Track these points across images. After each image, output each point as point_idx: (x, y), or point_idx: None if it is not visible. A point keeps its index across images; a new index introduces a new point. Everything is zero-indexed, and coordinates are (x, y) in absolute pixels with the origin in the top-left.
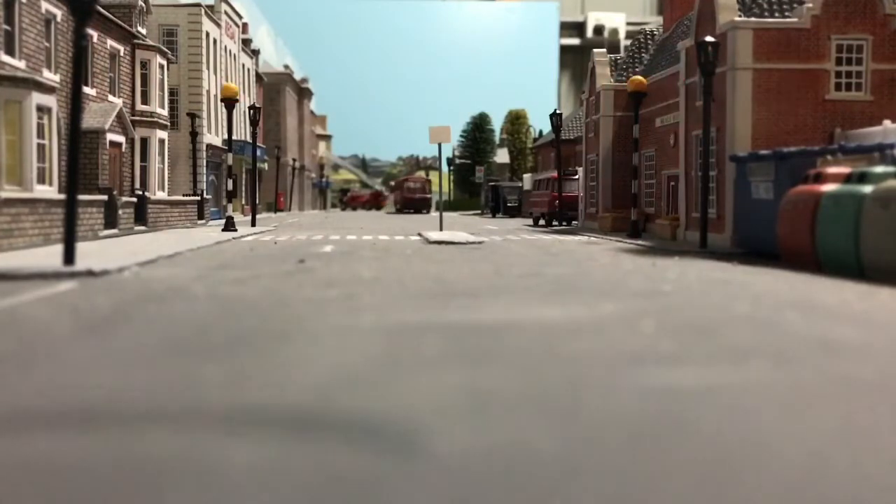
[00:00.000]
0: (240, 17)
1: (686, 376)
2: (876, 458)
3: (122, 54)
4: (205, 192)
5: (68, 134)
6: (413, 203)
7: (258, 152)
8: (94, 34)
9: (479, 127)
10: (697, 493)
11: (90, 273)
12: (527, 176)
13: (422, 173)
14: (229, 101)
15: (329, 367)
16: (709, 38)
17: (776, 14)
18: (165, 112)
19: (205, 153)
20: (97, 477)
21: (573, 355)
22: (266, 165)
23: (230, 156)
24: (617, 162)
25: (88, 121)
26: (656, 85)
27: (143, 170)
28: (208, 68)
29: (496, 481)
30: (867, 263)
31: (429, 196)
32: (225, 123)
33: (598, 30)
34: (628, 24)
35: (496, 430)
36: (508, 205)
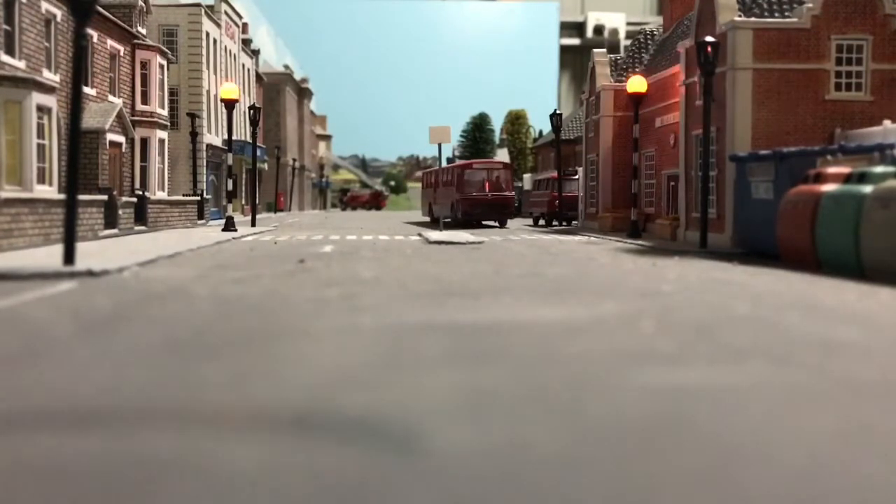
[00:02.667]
0: (240, 17)
1: (686, 376)
2: (876, 459)
3: (122, 54)
4: (205, 192)
5: (68, 134)
6: (486, 208)
7: (258, 152)
8: (94, 34)
9: (479, 127)
10: (697, 492)
11: (90, 273)
12: (527, 176)
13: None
14: (229, 102)
15: (329, 367)
16: (709, 38)
17: (776, 14)
18: (165, 112)
19: (205, 153)
20: (96, 477)
21: (573, 355)
22: (266, 165)
23: (230, 156)
24: (617, 162)
25: (88, 121)
26: (656, 85)
27: (143, 170)
28: (208, 68)
29: (496, 481)
30: (867, 263)
31: (510, 195)
32: (225, 123)
33: (598, 30)
34: (628, 24)
35: (496, 429)
36: None
